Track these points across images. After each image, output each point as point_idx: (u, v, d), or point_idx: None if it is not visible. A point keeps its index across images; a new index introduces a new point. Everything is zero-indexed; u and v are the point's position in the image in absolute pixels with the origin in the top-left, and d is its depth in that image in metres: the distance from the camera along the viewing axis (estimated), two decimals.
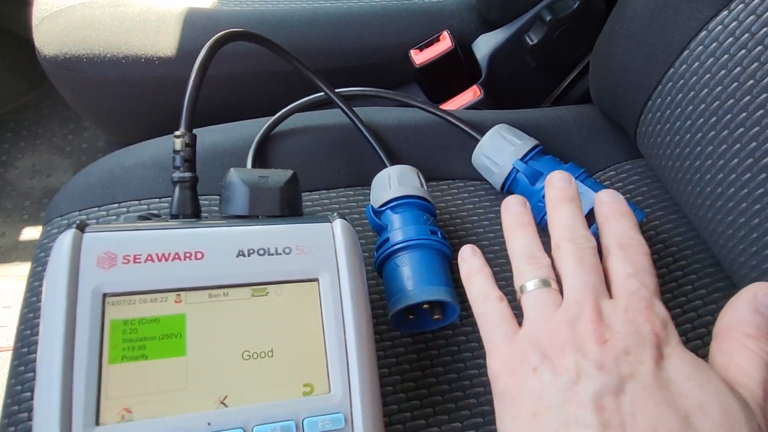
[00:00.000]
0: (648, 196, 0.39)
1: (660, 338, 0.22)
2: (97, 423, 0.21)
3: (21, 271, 0.78)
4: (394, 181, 0.34)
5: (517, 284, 0.25)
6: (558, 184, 0.28)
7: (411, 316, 0.32)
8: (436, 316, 0.31)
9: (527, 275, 0.25)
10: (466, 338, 0.33)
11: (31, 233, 0.83)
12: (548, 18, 0.51)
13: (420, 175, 0.36)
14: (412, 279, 0.30)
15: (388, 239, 0.32)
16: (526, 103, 0.57)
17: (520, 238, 0.27)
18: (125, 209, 0.36)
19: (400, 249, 0.31)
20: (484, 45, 0.55)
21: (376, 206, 0.34)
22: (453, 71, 0.54)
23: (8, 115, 0.94)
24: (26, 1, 0.88)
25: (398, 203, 0.33)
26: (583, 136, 0.43)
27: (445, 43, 0.52)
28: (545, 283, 0.24)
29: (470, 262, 0.28)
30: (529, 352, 0.23)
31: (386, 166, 0.37)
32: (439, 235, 0.32)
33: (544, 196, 0.35)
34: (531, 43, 0.53)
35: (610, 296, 0.24)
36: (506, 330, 0.24)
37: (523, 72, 0.56)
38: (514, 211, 0.28)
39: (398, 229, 0.32)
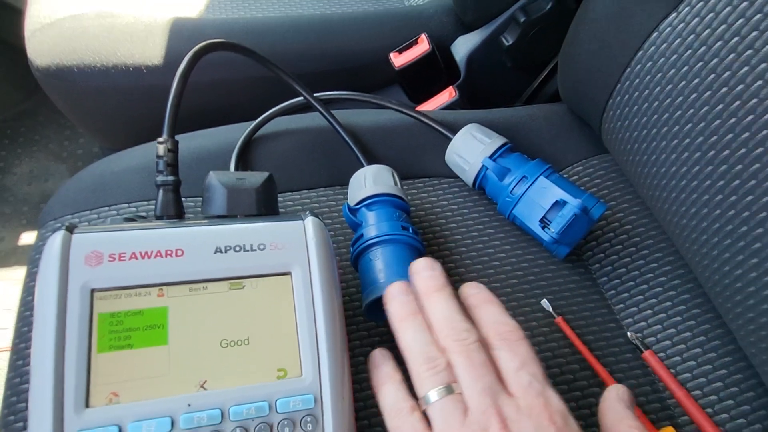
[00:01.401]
0: (613, 190, 0.41)
1: None
2: (87, 405, 0.23)
3: (20, 274, 0.80)
4: (369, 180, 0.36)
5: (419, 392, 0.25)
6: (423, 274, 0.28)
7: (384, 308, 0.34)
8: None
9: (428, 383, 0.25)
10: None
11: (30, 237, 0.85)
12: (522, 19, 0.53)
13: (395, 174, 0.38)
14: (384, 272, 0.32)
15: (362, 235, 0.34)
16: (502, 103, 0.59)
17: (410, 330, 0.27)
18: (115, 212, 0.38)
19: (373, 244, 0.33)
20: (462, 47, 0.57)
21: (352, 204, 0.36)
22: (432, 73, 0.56)
23: (5, 122, 0.96)
24: (21, 12, 0.90)
25: (372, 201, 0.35)
26: (552, 134, 0.45)
27: (422, 46, 0.54)
28: (448, 390, 0.25)
29: (381, 368, 0.28)
30: None
31: (363, 166, 0.39)
32: (411, 231, 0.34)
33: (512, 191, 0.37)
34: (507, 43, 0.55)
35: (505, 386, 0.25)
36: None
37: (501, 72, 0.58)
38: (399, 300, 0.28)
39: (372, 225, 0.34)
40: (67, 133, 0.95)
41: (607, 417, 0.26)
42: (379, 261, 0.32)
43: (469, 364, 0.25)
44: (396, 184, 0.37)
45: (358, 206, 0.35)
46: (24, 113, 0.97)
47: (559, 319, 0.35)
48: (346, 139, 0.41)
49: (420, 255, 0.34)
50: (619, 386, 0.28)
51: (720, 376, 0.34)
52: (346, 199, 0.40)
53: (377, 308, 0.33)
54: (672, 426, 0.32)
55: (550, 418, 0.24)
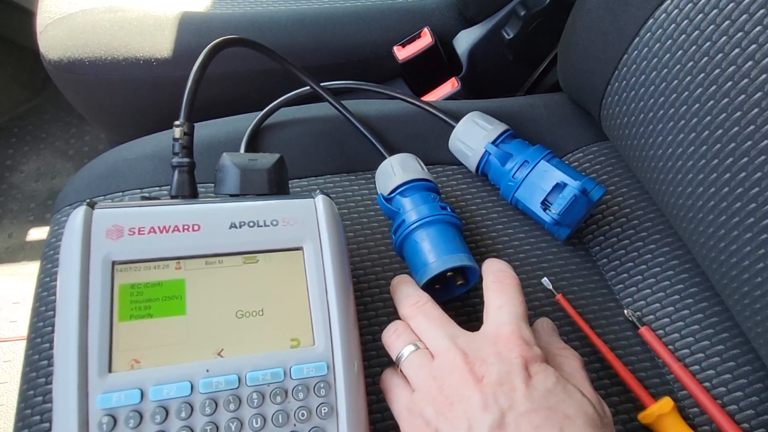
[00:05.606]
0: (613, 175, 0.43)
1: (526, 358, 0.25)
2: (110, 370, 0.24)
3: (29, 269, 0.81)
4: (397, 169, 0.37)
5: (393, 357, 0.29)
6: (393, 282, 0.32)
7: (437, 286, 0.34)
8: (459, 282, 0.34)
9: (396, 347, 0.28)
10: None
11: (38, 233, 0.86)
12: (522, 13, 0.54)
13: (419, 159, 0.39)
14: (434, 251, 0.33)
15: (403, 221, 0.34)
16: (504, 93, 0.61)
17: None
18: (128, 198, 0.39)
19: (416, 227, 0.34)
20: (464, 40, 0.59)
21: (385, 194, 0.37)
22: (434, 65, 0.57)
23: (12, 121, 0.97)
24: (28, 12, 0.91)
25: (405, 188, 0.36)
26: (553, 122, 0.46)
27: (425, 39, 0.55)
28: (414, 347, 0.28)
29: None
30: (427, 415, 0.25)
31: (375, 155, 0.39)
32: (449, 210, 0.35)
33: (514, 176, 0.38)
34: (508, 37, 0.57)
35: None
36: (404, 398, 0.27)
37: (502, 65, 0.59)
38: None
39: (411, 210, 0.35)
40: (73, 131, 0.96)
41: (540, 343, 0.29)
42: (426, 242, 0.33)
43: (426, 320, 0.28)
44: (423, 168, 0.38)
45: (392, 195, 0.36)
46: (30, 112, 0.98)
47: (559, 296, 0.36)
48: (363, 131, 0.42)
49: (459, 230, 0.35)
50: (543, 319, 0.32)
51: (717, 351, 0.35)
52: (352, 185, 0.41)
53: (431, 289, 0.34)
54: (671, 399, 0.33)
55: (515, 343, 0.26)
